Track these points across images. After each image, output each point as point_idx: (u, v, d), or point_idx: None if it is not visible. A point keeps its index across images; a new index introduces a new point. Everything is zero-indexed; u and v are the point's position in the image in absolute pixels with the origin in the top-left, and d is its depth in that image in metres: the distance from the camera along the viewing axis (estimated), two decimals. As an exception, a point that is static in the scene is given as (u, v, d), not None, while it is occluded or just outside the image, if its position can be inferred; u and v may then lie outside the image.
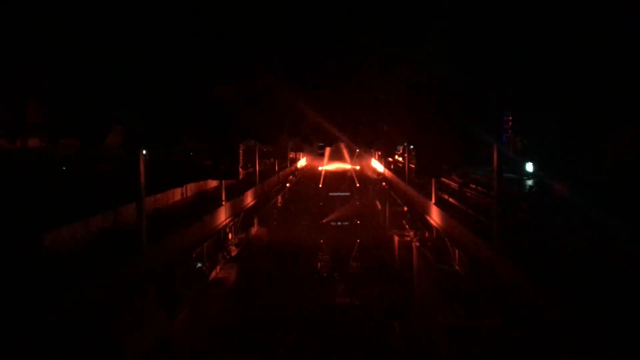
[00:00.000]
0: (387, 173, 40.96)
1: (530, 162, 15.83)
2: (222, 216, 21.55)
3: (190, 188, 22.31)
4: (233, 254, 26.51)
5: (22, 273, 10.35)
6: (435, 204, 20.73)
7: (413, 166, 27.13)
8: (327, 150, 47.56)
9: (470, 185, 20.52)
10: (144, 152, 13.58)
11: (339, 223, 46.41)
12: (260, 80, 10.61)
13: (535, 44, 9.08)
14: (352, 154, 53.79)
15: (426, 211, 22.47)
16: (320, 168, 52.10)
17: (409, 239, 28.93)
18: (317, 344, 25.26)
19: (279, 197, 42.66)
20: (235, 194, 23.89)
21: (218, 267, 24.18)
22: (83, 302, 10.35)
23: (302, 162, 57.98)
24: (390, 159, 46.24)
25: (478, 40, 9.24)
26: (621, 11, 7.49)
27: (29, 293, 9.28)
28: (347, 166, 54.51)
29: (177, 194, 21.29)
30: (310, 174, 55.11)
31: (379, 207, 45.41)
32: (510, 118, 16.70)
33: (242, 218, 25.74)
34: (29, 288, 9.55)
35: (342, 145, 50.05)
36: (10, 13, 8.05)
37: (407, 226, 31.48)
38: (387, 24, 8.89)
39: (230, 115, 14.18)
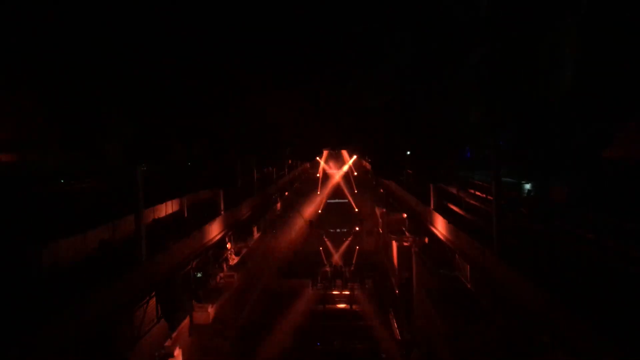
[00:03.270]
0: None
1: (527, 166, 15.85)
2: (220, 226, 21.51)
3: (189, 198, 22.30)
4: (232, 262, 26.48)
5: (22, 287, 10.29)
6: (434, 209, 20.76)
7: (411, 172, 27.17)
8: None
9: (469, 190, 20.57)
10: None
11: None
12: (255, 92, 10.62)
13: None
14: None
15: (425, 217, 22.49)
16: None
17: (407, 244, 28.92)
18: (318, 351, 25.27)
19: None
20: (233, 203, 23.85)
21: (217, 277, 24.13)
22: (84, 315, 10.30)
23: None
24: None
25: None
26: None
27: (29, 307, 9.23)
28: None
29: (175, 205, 21.25)
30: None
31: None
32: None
33: (237, 229, 25.67)
34: (30, 302, 9.49)
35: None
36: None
37: (406, 232, 31.47)
38: None
39: (227, 129, 14.17)
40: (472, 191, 20.13)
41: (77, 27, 8.94)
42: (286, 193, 44.00)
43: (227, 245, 24.99)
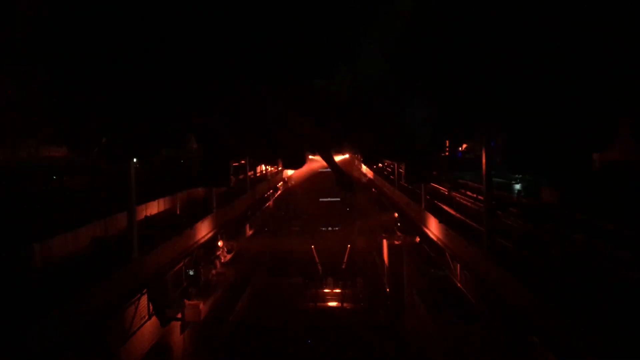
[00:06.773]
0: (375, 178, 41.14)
1: (518, 168, 15.98)
2: (212, 224, 21.51)
3: (181, 196, 22.28)
4: (224, 259, 26.48)
5: (13, 285, 10.27)
6: (425, 209, 20.86)
7: (402, 171, 27.25)
8: None
9: (460, 190, 20.69)
10: (134, 160, 13.57)
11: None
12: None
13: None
14: None
15: (416, 216, 22.59)
16: None
17: (399, 242, 28.96)
18: (309, 348, 25.34)
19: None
20: (227, 200, 23.86)
21: (209, 273, 24.09)
22: (75, 313, 10.31)
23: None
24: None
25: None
26: None
27: (20, 306, 9.22)
28: None
29: (167, 202, 21.23)
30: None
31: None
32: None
33: (231, 226, 25.64)
34: (20, 301, 9.48)
35: None
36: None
37: (397, 231, 31.58)
38: None
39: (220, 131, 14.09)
40: (463, 191, 20.26)
41: (72, 23, 8.90)
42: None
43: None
